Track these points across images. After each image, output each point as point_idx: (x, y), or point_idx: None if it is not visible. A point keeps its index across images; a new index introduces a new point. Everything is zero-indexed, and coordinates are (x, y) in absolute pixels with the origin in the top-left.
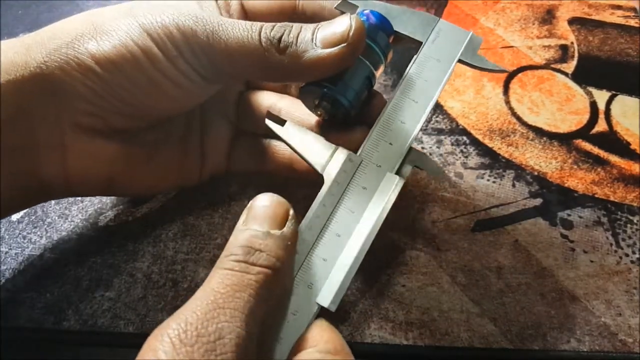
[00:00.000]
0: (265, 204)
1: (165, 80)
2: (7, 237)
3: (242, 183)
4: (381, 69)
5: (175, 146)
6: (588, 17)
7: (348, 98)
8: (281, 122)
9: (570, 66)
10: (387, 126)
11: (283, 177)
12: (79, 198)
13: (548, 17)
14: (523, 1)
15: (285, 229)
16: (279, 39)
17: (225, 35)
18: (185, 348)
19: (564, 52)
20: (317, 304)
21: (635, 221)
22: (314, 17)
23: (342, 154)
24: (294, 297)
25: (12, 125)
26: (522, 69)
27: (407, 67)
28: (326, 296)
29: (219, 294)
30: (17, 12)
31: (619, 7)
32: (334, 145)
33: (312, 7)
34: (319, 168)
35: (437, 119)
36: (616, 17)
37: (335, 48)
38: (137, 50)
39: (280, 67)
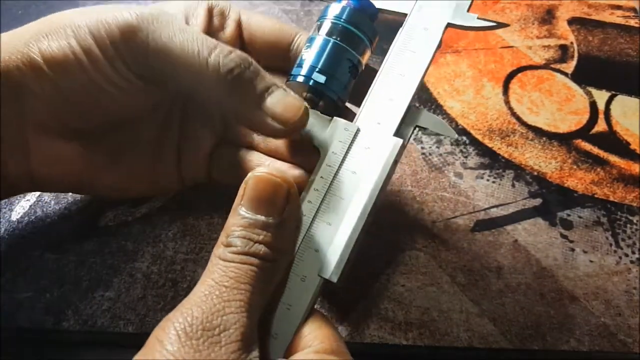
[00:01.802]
0: (262, 184)
1: (103, 81)
2: (7, 237)
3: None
4: (367, 54)
5: (146, 151)
6: (588, 17)
7: (334, 90)
8: None
9: (570, 66)
10: (374, 105)
11: None
12: (79, 198)
13: (548, 17)
14: (523, 1)
15: (285, 214)
16: (229, 70)
17: (169, 39)
18: (190, 341)
19: (564, 52)
20: (320, 276)
21: (634, 221)
22: None
23: (337, 124)
24: (302, 264)
25: None
26: (521, 69)
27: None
28: (328, 267)
29: (224, 287)
30: (17, 12)
31: (618, 7)
32: (328, 117)
33: None
34: (315, 142)
35: None
36: (616, 17)
37: (278, 126)
38: (79, 50)
39: (218, 96)
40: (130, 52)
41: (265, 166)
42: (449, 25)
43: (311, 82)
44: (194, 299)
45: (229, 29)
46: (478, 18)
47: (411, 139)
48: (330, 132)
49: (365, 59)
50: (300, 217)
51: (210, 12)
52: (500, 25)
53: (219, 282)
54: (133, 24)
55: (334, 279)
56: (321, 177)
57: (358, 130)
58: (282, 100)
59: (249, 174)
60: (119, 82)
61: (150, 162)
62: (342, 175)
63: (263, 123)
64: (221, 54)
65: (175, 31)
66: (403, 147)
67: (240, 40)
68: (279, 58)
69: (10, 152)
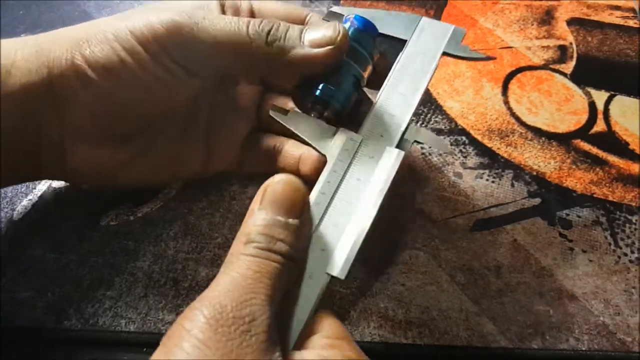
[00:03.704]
0: (282, 188)
1: (149, 77)
2: (8, 236)
3: (243, 182)
4: (369, 69)
5: (174, 141)
6: (587, 17)
7: (339, 99)
8: (284, 111)
9: (569, 66)
10: (378, 119)
11: None
12: (80, 198)
13: (547, 17)
14: (522, 2)
15: (302, 217)
16: (268, 32)
17: (212, 27)
18: (222, 329)
19: (563, 52)
20: (327, 273)
21: (633, 221)
22: None
23: (343, 134)
24: (309, 263)
25: (21, 130)
26: (520, 70)
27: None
28: (336, 265)
29: (250, 279)
30: (18, 12)
31: (617, 8)
32: (334, 127)
33: None
34: (321, 149)
35: (437, 119)
36: (615, 18)
37: (323, 49)
38: (122, 51)
39: (266, 59)
40: (177, 45)
41: (287, 174)
42: (444, 53)
43: (318, 92)
44: (218, 290)
45: (243, 14)
46: (471, 50)
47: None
48: (337, 141)
49: (367, 74)
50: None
51: (222, 7)
52: (488, 58)
53: (244, 275)
54: (177, 20)
55: (342, 276)
56: (328, 181)
57: (362, 140)
58: (317, 27)
59: (268, 181)
60: (163, 76)
61: (176, 152)
62: (347, 181)
63: (309, 55)
64: (256, 25)
65: (214, 20)
66: (404, 157)
67: None
68: None
69: (49, 157)
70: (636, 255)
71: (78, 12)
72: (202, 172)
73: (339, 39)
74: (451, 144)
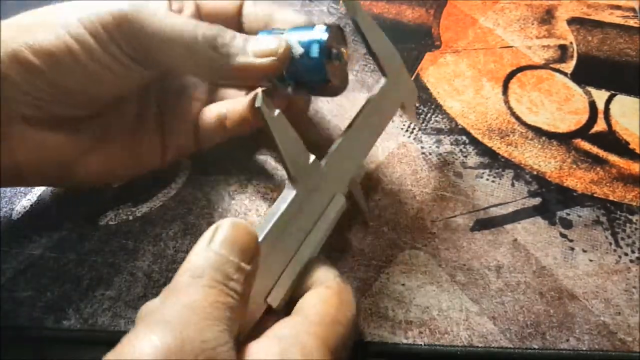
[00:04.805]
0: (235, 232)
1: (97, 66)
2: (7, 235)
3: (242, 182)
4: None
5: (128, 128)
6: (587, 17)
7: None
8: (272, 110)
9: (570, 66)
10: (337, 162)
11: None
12: (79, 198)
13: (547, 17)
14: (522, 1)
15: (253, 264)
16: (214, 37)
17: (161, 23)
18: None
19: (563, 52)
20: (267, 302)
21: (634, 220)
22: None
23: (316, 168)
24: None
25: None
26: (521, 69)
27: None
28: (275, 297)
29: (209, 307)
30: (18, 12)
31: (618, 7)
32: (309, 154)
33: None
34: (292, 171)
35: (437, 118)
36: (615, 17)
37: (266, 59)
38: (70, 39)
39: (210, 64)
40: (124, 36)
41: (239, 219)
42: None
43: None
44: (171, 315)
45: (188, 11)
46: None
47: (410, 139)
48: (309, 173)
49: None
50: None
51: (169, 5)
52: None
53: (201, 303)
54: (126, 11)
55: (274, 305)
56: (288, 212)
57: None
58: (260, 40)
59: (221, 220)
60: (112, 65)
61: (132, 138)
62: (301, 215)
63: (252, 64)
64: (205, 28)
65: (164, 15)
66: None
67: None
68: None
69: None
70: (637, 255)
71: None
72: (160, 161)
73: (280, 51)
74: (451, 144)
